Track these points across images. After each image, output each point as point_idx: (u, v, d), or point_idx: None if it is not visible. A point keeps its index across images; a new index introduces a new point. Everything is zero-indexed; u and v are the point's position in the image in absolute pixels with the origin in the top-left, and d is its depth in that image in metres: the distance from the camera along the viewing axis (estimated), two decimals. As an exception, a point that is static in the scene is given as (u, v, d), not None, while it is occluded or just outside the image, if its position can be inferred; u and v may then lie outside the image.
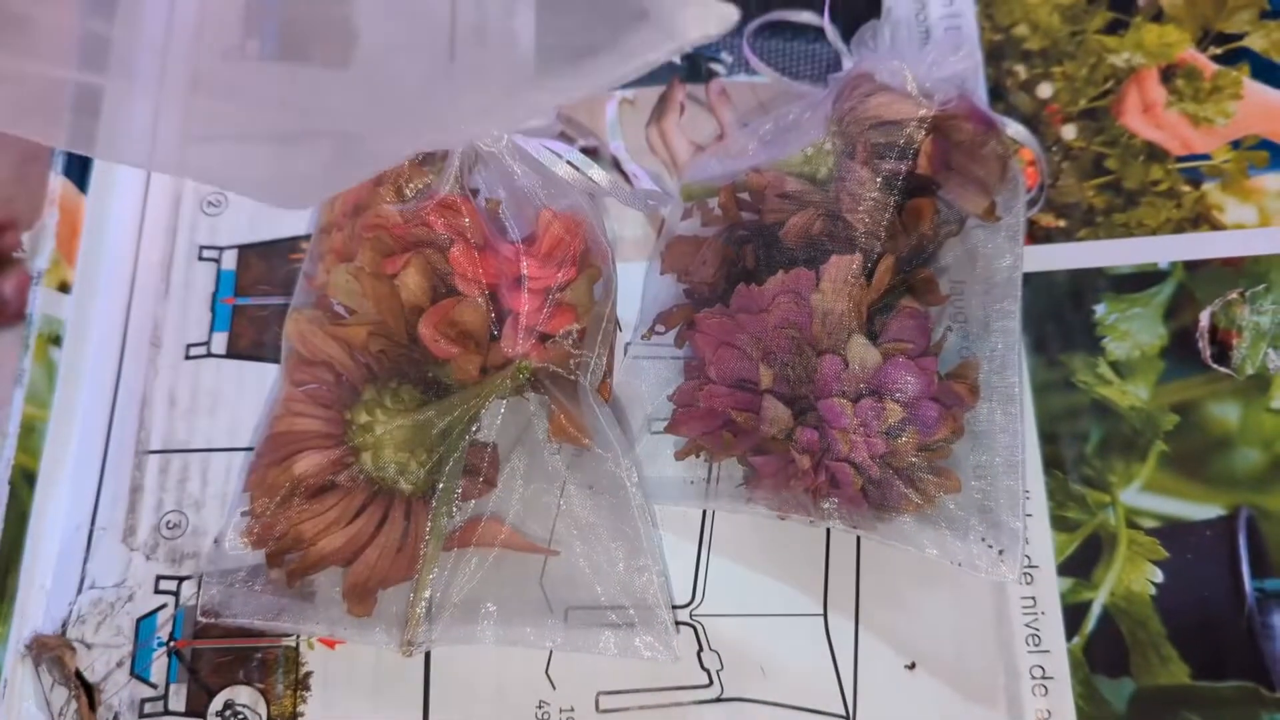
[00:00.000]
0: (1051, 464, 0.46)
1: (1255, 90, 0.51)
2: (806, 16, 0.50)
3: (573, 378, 0.40)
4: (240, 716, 0.43)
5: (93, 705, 0.43)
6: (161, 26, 0.55)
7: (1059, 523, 0.45)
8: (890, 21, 0.45)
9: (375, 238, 0.39)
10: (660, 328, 0.45)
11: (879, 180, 0.41)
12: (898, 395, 0.39)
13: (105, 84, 0.53)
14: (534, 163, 0.43)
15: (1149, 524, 0.44)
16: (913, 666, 0.43)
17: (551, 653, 0.43)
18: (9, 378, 0.59)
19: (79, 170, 0.51)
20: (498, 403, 0.40)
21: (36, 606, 0.44)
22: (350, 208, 0.42)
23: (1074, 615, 0.43)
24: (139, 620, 0.44)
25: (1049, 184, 0.50)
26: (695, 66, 0.53)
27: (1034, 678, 0.42)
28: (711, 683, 0.43)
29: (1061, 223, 0.50)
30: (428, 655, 0.43)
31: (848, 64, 0.46)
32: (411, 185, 0.41)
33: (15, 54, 0.38)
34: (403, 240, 0.39)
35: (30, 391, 0.47)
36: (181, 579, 0.44)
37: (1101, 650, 0.43)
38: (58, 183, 0.50)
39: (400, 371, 0.41)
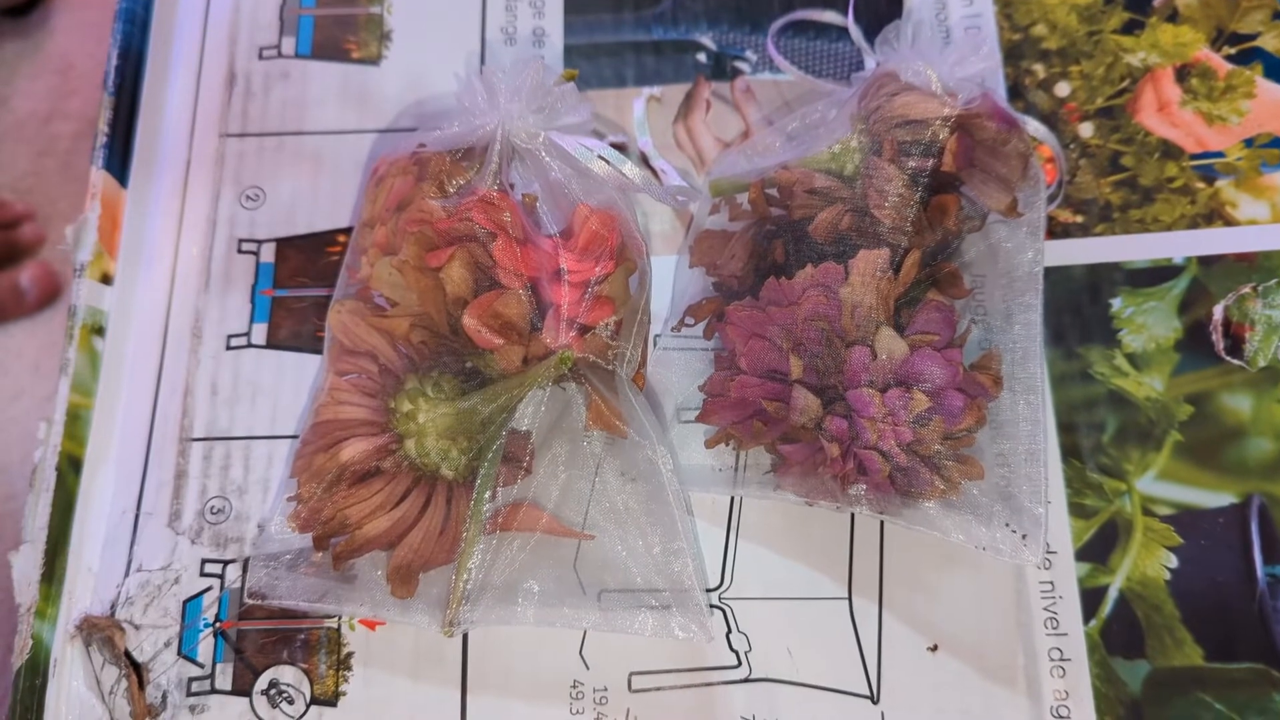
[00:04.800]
0: (1069, 453, 0.47)
1: (1268, 89, 0.52)
2: (830, 16, 0.52)
3: (610, 368, 0.42)
4: (284, 695, 0.44)
5: (142, 684, 0.44)
6: (198, 26, 0.56)
7: (1076, 510, 0.46)
8: (912, 22, 0.46)
9: (419, 232, 0.41)
10: (689, 320, 0.46)
11: (905, 177, 0.42)
12: (924, 385, 0.40)
13: (144, 78, 0.54)
14: (569, 159, 0.44)
15: (1164, 511, 0.46)
16: (935, 648, 0.44)
17: (585, 635, 0.44)
18: (29, 367, 0.60)
19: (119, 164, 0.52)
20: (536, 392, 0.41)
21: (85, 588, 0.45)
22: (394, 203, 0.43)
23: (1091, 599, 0.45)
24: (185, 602, 0.45)
25: (1067, 181, 0.51)
26: (720, 65, 0.54)
27: (1052, 659, 0.44)
28: (740, 664, 0.44)
29: (1079, 218, 0.51)
30: (465, 637, 0.44)
31: (871, 63, 0.47)
32: (453, 181, 0.42)
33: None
34: (446, 235, 0.41)
35: (75, 380, 0.48)
36: (226, 562, 0.46)
37: (1118, 633, 0.44)
38: (99, 177, 0.51)
39: (440, 362, 0.42)
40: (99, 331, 0.50)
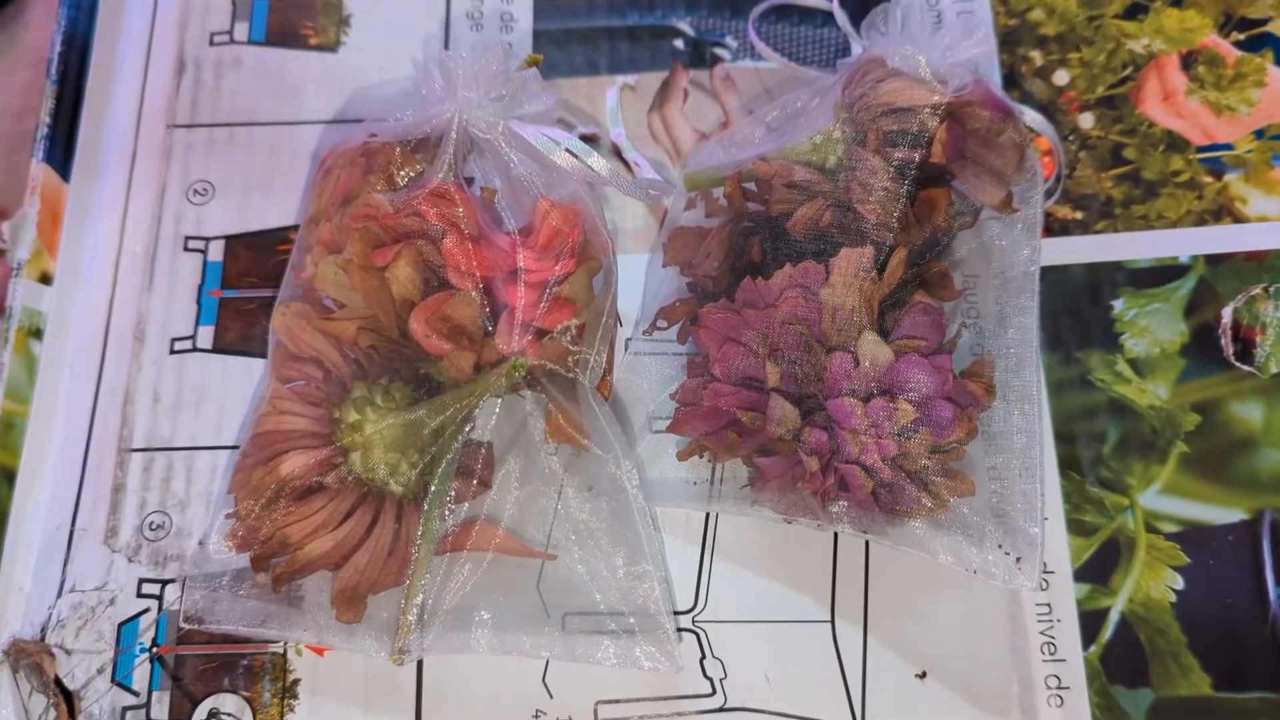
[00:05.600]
0: (1068, 465, 0.44)
1: (1279, 78, 0.49)
2: (814, 0, 0.49)
3: (571, 375, 0.39)
4: (225, 725, 0.41)
5: (72, 713, 0.41)
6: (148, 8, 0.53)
7: (1075, 526, 0.44)
8: (901, 5, 0.44)
9: (364, 228, 0.38)
10: (662, 322, 0.44)
11: (891, 169, 0.39)
12: (910, 394, 0.37)
13: (90, 65, 0.51)
14: (531, 150, 0.41)
15: (1169, 528, 0.43)
16: (923, 676, 0.41)
17: (548, 662, 0.41)
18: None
19: (61, 156, 0.49)
20: (492, 401, 0.39)
21: (15, 610, 0.43)
22: (339, 197, 0.40)
23: (1091, 623, 0.42)
24: (121, 625, 0.42)
25: (1066, 174, 0.49)
26: (699, 51, 0.52)
27: (1049, 688, 0.41)
28: (714, 692, 0.41)
29: (1078, 214, 0.48)
30: (420, 663, 0.42)
31: (857, 49, 0.45)
32: (403, 173, 0.40)
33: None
34: (393, 231, 0.38)
35: (10, 386, 0.45)
36: (165, 582, 0.43)
37: (1119, 659, 0.42)
38: (39, 170, 0.48)
39: (391, 368, 0.39)
40: (36, 334, 0.47)
